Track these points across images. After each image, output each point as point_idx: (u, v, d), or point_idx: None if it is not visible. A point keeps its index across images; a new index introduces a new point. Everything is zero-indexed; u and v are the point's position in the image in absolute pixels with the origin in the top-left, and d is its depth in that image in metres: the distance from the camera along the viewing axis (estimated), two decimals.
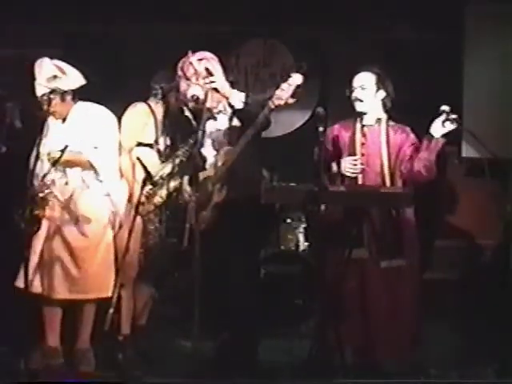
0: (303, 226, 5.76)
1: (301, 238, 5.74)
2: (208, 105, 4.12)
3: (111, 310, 4.07)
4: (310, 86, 6.42)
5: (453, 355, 4.66)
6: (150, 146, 4.56)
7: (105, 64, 5.96)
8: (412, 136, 4.38)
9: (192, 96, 4.20)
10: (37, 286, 4.29)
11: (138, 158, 4.46)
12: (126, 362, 4.41)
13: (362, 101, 4.34)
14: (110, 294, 4.18)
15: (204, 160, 4.31)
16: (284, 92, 3.99)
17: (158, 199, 4.51)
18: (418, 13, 6.03)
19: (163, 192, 4.52)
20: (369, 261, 4.24)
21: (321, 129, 4.01)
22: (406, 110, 6.06)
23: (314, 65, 6.29)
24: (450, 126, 4.20)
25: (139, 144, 4.54)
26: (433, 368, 4.33)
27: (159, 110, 4.62)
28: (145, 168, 4.42)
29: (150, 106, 4.62)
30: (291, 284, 5.41)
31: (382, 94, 4.38)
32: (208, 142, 4.31)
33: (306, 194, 3.97)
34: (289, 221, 5.76)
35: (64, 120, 4.43)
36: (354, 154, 4.33)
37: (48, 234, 4.33)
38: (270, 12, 6.07)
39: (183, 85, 4.27)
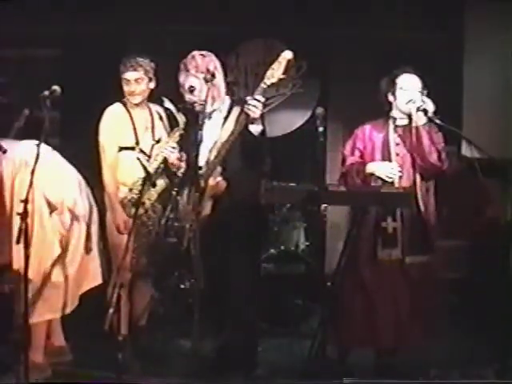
0: (303, 225, 5.75)
1: (301, 237, 5.73)
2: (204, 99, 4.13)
3: (111, 310, 4.07)
4: (310, 85, 6.47)
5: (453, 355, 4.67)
6: (131, 148, 4.47)
7: (104, 64, 5.96)
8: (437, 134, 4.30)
9: (189, 87, 4.18)
10: None
11: (138, 159, 4.45)
12: (126, 361, 4.42)
13: (414, 102, 4.22)
14: None
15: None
16: (275, 70, 3.97)
17: (145, 200, 4.44)
18: (417, 12, 6.04)
19: (151, 193, 4.48)
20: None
21: (321, 129, 4.01)
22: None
23: (314, 65, 6.37)
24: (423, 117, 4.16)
25: (121, 149, 4.45)
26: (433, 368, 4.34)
27: (137, 107, 4.51)
28: (144, 168, 4.42)
29: (125, 105, 4.51)
30: (291, 284, 5.41)
31: (424, 95, 4.29)
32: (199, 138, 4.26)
33: (306, 194, 3.97)
34: (288, 221, 5.75)
35: None
36: (389, 156, 4.28)
37: None
38: (270, 12, 6.08)
39: (182, 76, 4.25)
